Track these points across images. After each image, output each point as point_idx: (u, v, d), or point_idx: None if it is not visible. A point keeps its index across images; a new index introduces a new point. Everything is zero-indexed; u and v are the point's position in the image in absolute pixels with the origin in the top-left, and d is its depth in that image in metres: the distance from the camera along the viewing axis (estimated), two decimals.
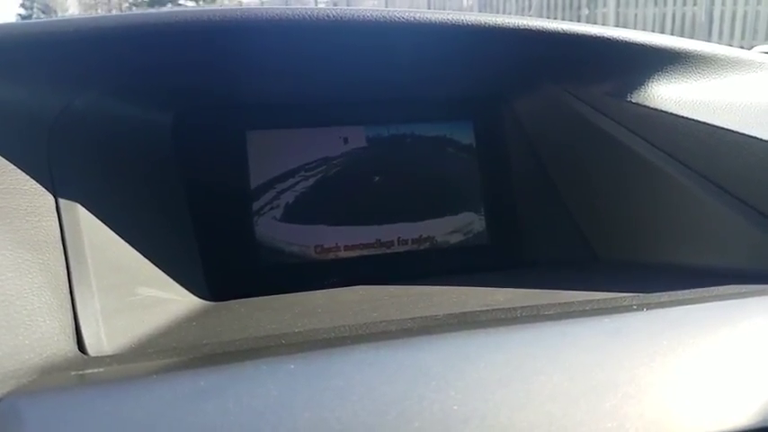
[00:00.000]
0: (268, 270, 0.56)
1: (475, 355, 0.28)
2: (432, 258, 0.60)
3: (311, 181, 0.58)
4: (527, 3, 6.81)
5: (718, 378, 0.28)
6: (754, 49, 0.80)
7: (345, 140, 0.60)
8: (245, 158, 0.57)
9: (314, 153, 0.59)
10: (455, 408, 0.25)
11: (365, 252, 0.59)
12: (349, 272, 0.57)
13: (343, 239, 0.58)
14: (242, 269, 0.55)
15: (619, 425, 0.25)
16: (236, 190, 0.56)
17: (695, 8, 5.45)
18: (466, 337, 0.30)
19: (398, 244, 0.60)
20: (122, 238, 0.41)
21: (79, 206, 0.38)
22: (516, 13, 6.66)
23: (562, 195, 0.59)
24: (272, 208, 0.57)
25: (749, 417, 0.27)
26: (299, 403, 0.26)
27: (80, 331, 0.34)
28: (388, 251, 0.59)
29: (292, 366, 0.28)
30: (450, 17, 0.43)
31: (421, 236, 0.60)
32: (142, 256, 0.43)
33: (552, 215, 0.59)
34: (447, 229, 0.61)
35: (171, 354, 0.32)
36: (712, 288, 0.37)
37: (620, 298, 0.36)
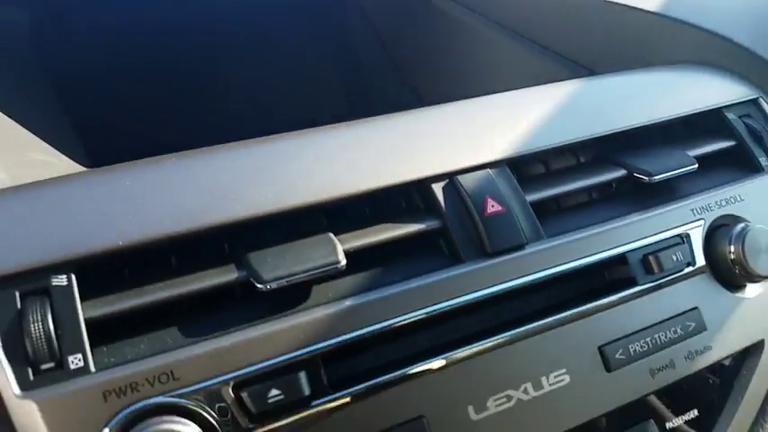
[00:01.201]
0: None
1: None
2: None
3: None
4: None
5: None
6: None
7: None
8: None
9: None
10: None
11: None
12: None
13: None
14: (114, 136, 0.61)
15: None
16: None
17: None
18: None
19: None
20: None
21: None
22: None
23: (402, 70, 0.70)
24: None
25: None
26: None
27: None
28: None
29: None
30: None
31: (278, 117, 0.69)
32: (28, 131, 0.48)
33: (393, 84, 0.70)
34: (308, 107, 0.71)
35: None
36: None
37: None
